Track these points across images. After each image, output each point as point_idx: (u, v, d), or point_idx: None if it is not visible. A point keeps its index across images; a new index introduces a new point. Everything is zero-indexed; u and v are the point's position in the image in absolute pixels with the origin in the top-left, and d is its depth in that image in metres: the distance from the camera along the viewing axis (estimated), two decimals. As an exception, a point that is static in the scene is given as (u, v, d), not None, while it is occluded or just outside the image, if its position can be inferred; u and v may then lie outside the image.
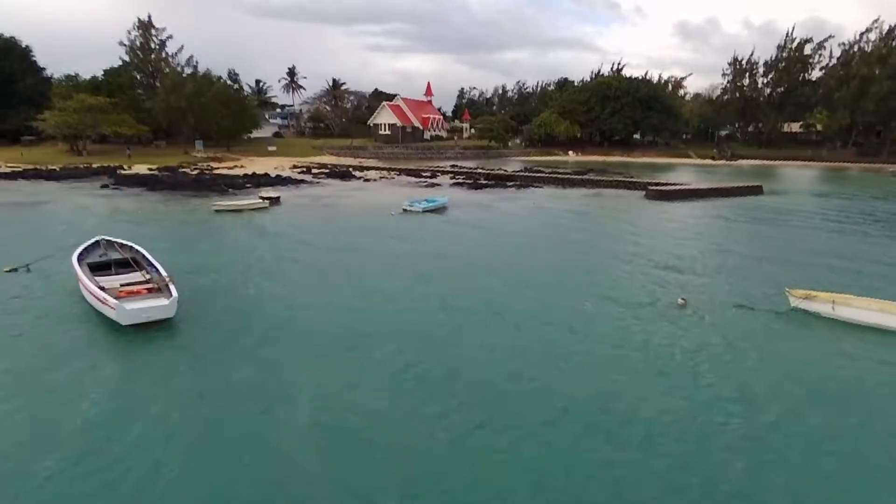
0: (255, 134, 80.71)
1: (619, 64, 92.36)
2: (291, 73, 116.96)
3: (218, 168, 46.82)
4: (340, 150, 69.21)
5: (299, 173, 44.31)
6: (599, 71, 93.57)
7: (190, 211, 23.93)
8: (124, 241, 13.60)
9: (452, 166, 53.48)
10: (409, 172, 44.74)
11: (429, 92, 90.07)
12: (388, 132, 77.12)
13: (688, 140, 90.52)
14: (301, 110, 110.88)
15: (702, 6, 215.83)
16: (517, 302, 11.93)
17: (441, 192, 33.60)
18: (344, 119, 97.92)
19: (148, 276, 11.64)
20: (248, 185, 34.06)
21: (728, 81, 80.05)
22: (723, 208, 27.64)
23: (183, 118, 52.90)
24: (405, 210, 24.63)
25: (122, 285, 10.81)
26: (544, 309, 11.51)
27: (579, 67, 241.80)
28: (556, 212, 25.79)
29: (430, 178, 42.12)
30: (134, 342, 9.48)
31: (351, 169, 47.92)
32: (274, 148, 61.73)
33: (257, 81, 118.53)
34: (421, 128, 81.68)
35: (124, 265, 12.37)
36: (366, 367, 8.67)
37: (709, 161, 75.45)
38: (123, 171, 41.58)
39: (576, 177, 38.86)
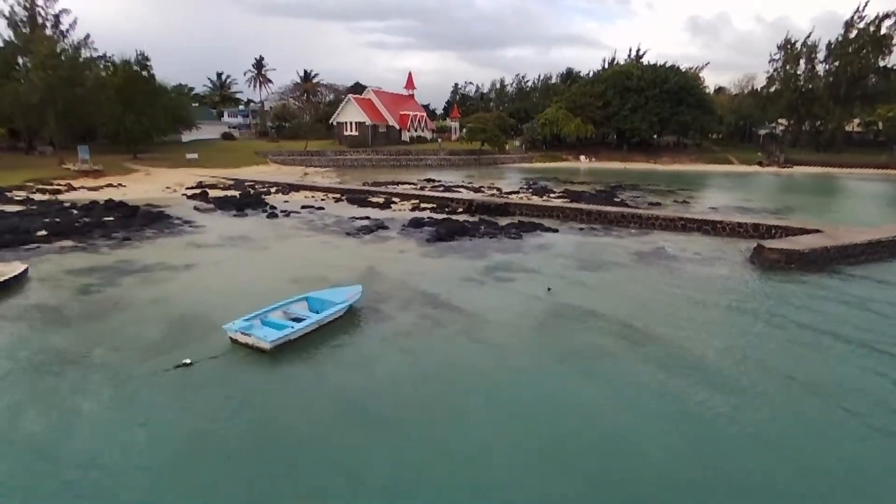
0: (200, 135, 66.22)
1: (637, 50, 77.30)
2: (258, 64, 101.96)
3: (78, 188, 32.09)
4: (292, 155, 54.55)
5: (189, 197, 29.66)
6: (614, 59, 78.69)
7: None
8: None
9: (427, 181, 38.77)
10: (353, 197, 29.98)
11: (410, 84, 75.01)
12: (354, 133, 62.22)
13: (718, 140, 75.96)
14: (270, 108, 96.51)
15: (712, 1, 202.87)
16: None
17: (383, 243, 18.91)
18: (314, 115, 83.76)
19: None
20: (43, 233, 19.26)
21: (775, 69, 65.04)
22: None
23: (42, 116, 37.77)
24: (234, 340, 9.93)
25: None
26: None
27: (585, 65, 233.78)
28: (595, 334, 10.98)
29: (383, 206, 27.40)
30: None
31: (274, 190, 33.22)
32: (195, 156, 46.89)
33: (219, 74, 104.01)
34: (398, 127, 66.85)
35: None
36: None
37: (755, 168, 60.79)
38: None
39: (611, 209, 24.01)
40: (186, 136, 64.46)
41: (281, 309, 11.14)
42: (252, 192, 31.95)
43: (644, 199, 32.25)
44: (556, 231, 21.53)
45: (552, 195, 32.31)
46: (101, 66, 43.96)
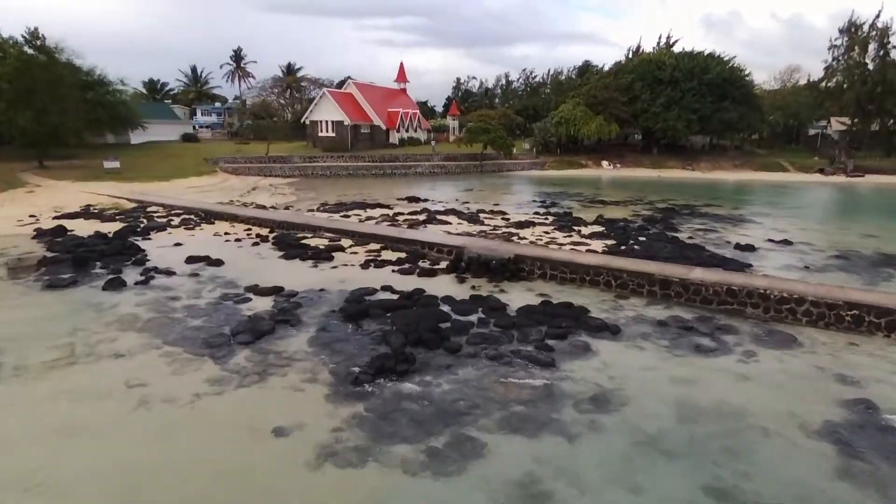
0: (152, 136, 56.38)
1: (668, 38, 66.56)
2: (237, 56, 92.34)
3: None
4: (249, 162, 44.58)
5: (38, 235, 19.70)
6: (639, 47, 68.17)
7: None
8: None
9: (407, 200, 28.67)
10: (284, 237, 19.85)
11: (401, 76, 64.71)
12: (330, 134, 52.05)
13: (759, 142, 65.47)
14: (251, 104, 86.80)
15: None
16: None
17: (261, 384, 8.78)
18: (299, 112, 74.07)
19: None
20: None
21: (835, 57, 54.36)
22: None
23: None
24: None
25: None
26: None
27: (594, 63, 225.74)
28: None
29: (322, 256, 17.23)
30: None
31: (177, 220, 23.16)
32: (115, 165, 36.85)
33: (193, 69, 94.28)
34: (384, 127, 56.63)
35: None
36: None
37: (817, 176, 50.19)
38: None
39: (706, 279, 13.67)
40: (137, 138, 54.65)
41: None
42: (143, 223, 21.91)
43: (720, 235, 22.02)
44: (615, 332, 11.28)
45: (584, 229, 22.05)
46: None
